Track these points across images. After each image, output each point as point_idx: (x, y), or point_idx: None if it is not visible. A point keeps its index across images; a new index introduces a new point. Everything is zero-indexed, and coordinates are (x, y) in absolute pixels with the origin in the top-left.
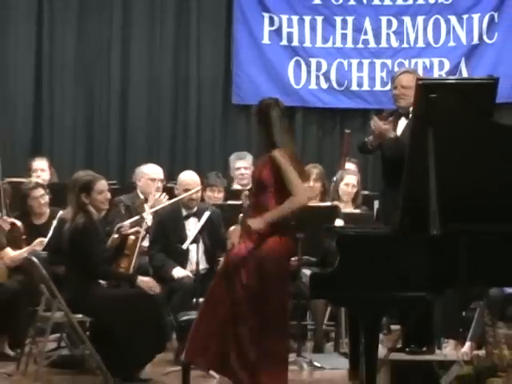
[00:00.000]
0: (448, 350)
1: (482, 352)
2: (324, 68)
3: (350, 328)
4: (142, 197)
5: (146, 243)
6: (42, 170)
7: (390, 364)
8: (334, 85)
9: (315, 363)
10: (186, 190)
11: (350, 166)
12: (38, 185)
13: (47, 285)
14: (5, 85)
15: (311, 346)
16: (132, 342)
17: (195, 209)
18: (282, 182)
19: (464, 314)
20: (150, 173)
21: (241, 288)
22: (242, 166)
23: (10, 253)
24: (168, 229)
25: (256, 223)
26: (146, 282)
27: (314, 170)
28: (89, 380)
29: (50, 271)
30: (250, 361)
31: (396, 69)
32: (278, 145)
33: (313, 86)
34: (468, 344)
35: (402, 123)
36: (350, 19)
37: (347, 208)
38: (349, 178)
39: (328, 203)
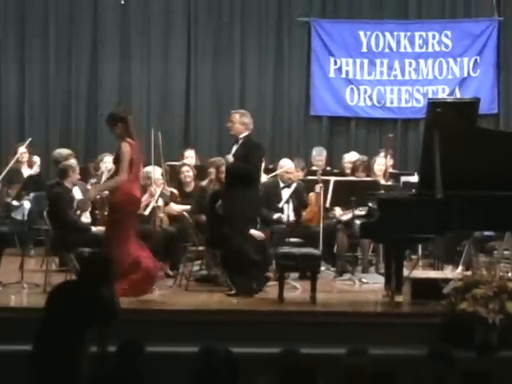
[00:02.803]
0: (447, 271)
1: (469, 273)
2: (368, 92)
3: (385, 257)
4: None
5: None
6: (191, 157)
7: (411, 280)
8: (375, 103)
9: (363, 280)
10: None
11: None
12: (189, 168)
13: (193, 229)
14: (165, 97)
15: (360, 269)
16: (248, 265)
17: (287, 182)
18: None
19: (458, 248)
20: None
21: None
22: (319, 157)
23: (173, 208)
24: (270, 194)
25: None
26: (253, 232)
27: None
28: (220, 290)
29: (195, 220)
30: None
31: (415, 93)
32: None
33: (361, 103)
34: (460, 267)
35: (235, 147)
36: (385, 61)
37: (381, 181)
38: (379, 161)
39: (370, 178)
